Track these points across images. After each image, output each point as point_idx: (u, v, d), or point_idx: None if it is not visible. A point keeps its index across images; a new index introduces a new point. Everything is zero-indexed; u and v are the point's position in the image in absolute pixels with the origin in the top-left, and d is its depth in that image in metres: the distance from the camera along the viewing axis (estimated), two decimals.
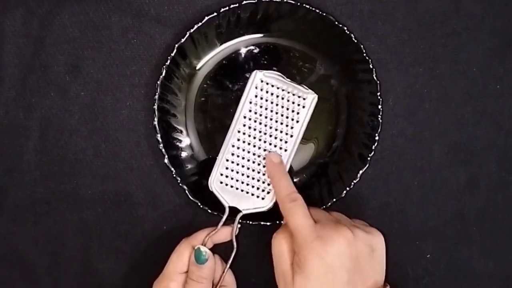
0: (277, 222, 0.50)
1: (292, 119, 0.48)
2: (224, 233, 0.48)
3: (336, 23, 0.49)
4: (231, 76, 0.51)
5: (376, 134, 0.50)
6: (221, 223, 0.47)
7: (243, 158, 0.48)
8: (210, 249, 0.47)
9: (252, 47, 0.51)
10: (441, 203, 0.53)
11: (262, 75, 0.48)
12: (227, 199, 0.48)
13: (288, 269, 0.42)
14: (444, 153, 0.53)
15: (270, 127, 0.48)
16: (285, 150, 0.48)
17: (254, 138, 0.48)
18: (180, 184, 0.50)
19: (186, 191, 0.50)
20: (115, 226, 0.53)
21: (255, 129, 0.48)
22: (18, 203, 0.52)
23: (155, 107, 0.49)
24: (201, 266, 0.46)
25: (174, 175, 0.50)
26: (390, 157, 0.53)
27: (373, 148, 0.50)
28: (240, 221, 0.48)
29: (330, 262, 0.40)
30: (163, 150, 0.49)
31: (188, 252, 0.46)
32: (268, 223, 0.50)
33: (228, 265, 0.47)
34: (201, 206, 0.50)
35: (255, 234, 0.53)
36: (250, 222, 0.50)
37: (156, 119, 0.49)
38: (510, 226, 0.54)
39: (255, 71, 0.48)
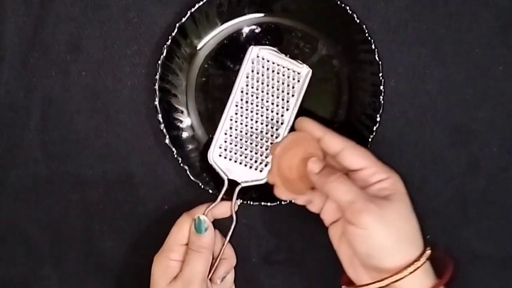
0: (278, 202, 0.50)
1: (288, 93, 0.49)
2: (224, 207, 0.49)
3: (339, 2, 0.48)
4: (232, 56, 0.50)
5: (378, 115, 0.50)
6: (221, 195, 0.48)
7: (241, 131, 0.49)
8: None
9: (253, 27, 0.50)
10: (442, 184, 0.53)
11: (258, 50, 0.48)
12: (226, 172, 0.49)
13: None
14: (446, 135, 0.53)
15: (267, 101, 0.49)
16: (282, 123, 0.49)
17: (251, 111, 0.49)
18: (181, 164, 0.50)
19: (187, 171, 0.50)
20: (117, 206, 0.53)
21: (252, 103, 0.49)
22: (20, 183, 0.53)
23: (156, 87, 0.49)
24: (200, 235, 0.47)
25: (175, 155, 0.50)
26: (391, 138, 0.52)
27: (375, 129, 0.50)
28: (240, 199, 0.49)
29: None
30: (164, 130, 0.50)
31: (188, 224, 0.47)
32: (268, 204, 0.50)
33: (228, 237, 0.48)
34: (202, 187, 0.50)
35: (255, 215, 0.53)
36: (251, 203, 0.50)
37: (157, 99, 0.49)
38: (510, 208, 0.54)
39: (251, 47, 0.48)
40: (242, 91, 0.48)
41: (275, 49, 0.48)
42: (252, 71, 0.48)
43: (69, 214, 0.53)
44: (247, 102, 0.49)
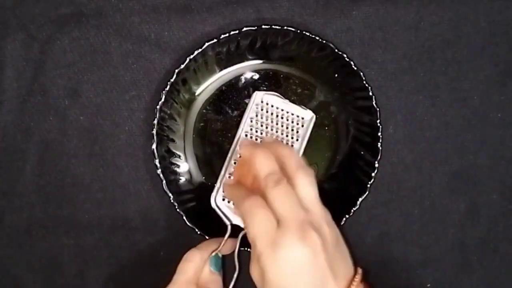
0: None
1: (292, 138, 0.49)
2: (227, 246, 0.47)
3: (336, 50, 0.49)
4: (231, 102, 0.51)
5: (376, 162, 0.50)
6: (224, 241, 0.47)
7: None
8: None
9: (252, 73, 0.51)
10: (441, 231, 0.53)
11: (262, 95, 0.49)
12: (230, 216, 0.48)
13: None
14: (445, 182, 0.52)
15: None
16: None
17: None
18: (178, 210, 0.49)
19: (184, 217, 0.49)
20: (112, 251, 0.52)
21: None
22: (14, 227, 0.52)
23: (154, 132, 0.49)
24: (217, 273, 0.46)
25: (172, 201, 0.49)
26: (390, 185, 0.52)
27: (373, 175, 0.50)
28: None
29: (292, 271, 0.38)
30: (161, 175, 0.49)
31: (199, 260, 0.45)
32: None
33: (231, 287, 0.47)
34: (198, 232, 0.50)
35: None
36: (248, 249, 0.49)
37: (154, 144, 0.49)
38: (511, 255, 0.53)
39: (255, 92, 0.49)
40: (246, 135, 0.49)
41: (279, 94, 0.49)
42: (256, 115, 0.49)
43: (64, 259, 0.52)
44: None
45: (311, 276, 0.38)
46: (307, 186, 0.40)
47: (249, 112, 0.49)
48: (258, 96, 0.49)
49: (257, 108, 0.49)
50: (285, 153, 0.42)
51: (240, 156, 0.47)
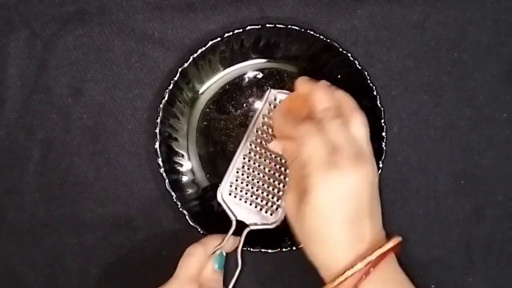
0: (279, 249, 0.49)
1: None
2: (230, 243, 0.47)
3: (341, 49, 0.49)
4: (234, 101, 0.51)
5: (380, 162, 0.49)
6: (227, 237, 0.47)
7: (253, 171, 0.48)
8: None
9: (255, 72, 0.51)
10: (446, 232, 0.52)
11: (275, 93, 0.49)
12: (235, 212, 0.48)
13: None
14: (450, 182, 0.52)
15: None
16: None
17: (265, 152, 0.48)
18: (180, 209, 0.49)
19: (186, 216, 0.49)
20: (115, 250, 0.52)
21: (266, 144, 0.48)
22: (17, 225, 0.52)
23: (157, 131, 0.49)
24: (219, 272, 0.46)
25: (175, 200, 0.49)
26: (394, 185, 0.52)
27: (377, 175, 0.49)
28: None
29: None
30: (164, 174, 0.49)
31: (203, 255, 0.45)
32: (269, 250, 0.49)
33: (232, 284, 0.46)
34: (201, 232, 0.49)
35: (256, 261, 0.52)
36: (251, 249, 0.49)
37: (157, 143, 0.49)
38: None
39: (269, 89, 0.49)
40: (257, 131, 0.48)
41: (292, 93, 0.48)
42: (269, 112, 0.49)
43: (66, 258, 0.52)
44: (261, 142, 0.48)
45: (352, 205, 0.39)
46: (359, 125, 0.42)
47: (262, 109, 0.48)
48: (271, 94, 0.48)
49: (269, 106, 0.49)
50: (341, 96, 0.43)
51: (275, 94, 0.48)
